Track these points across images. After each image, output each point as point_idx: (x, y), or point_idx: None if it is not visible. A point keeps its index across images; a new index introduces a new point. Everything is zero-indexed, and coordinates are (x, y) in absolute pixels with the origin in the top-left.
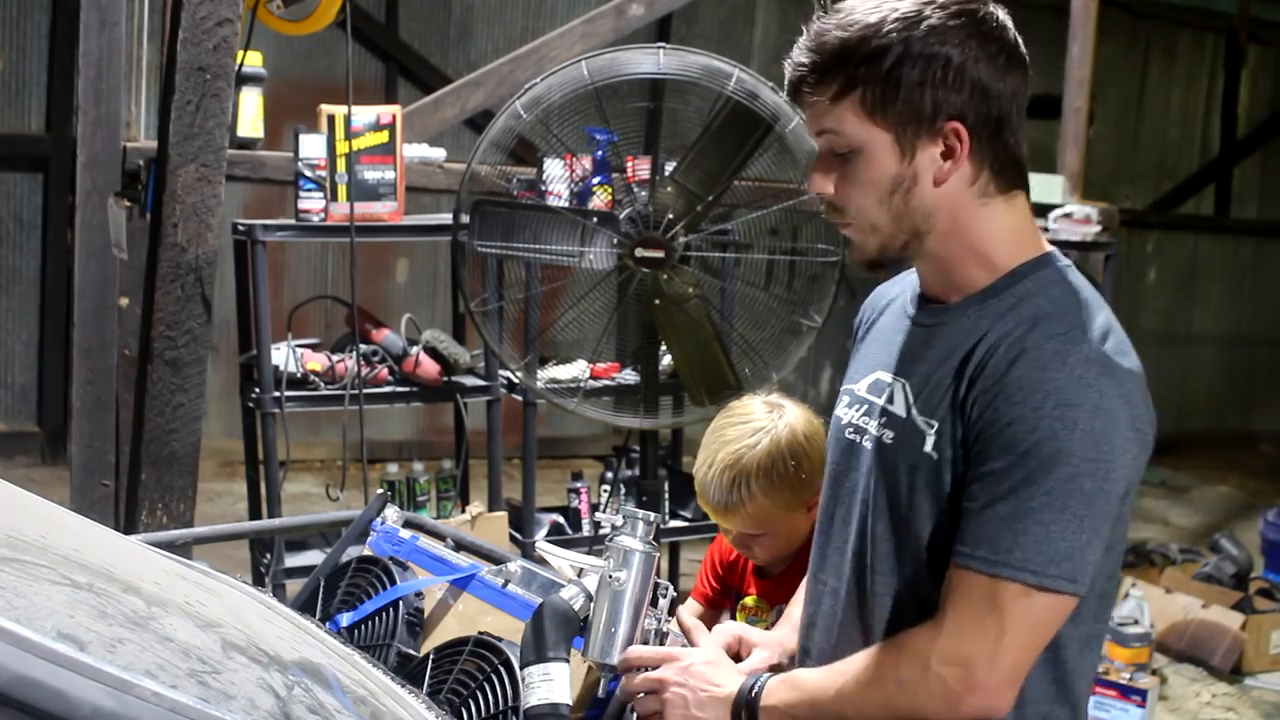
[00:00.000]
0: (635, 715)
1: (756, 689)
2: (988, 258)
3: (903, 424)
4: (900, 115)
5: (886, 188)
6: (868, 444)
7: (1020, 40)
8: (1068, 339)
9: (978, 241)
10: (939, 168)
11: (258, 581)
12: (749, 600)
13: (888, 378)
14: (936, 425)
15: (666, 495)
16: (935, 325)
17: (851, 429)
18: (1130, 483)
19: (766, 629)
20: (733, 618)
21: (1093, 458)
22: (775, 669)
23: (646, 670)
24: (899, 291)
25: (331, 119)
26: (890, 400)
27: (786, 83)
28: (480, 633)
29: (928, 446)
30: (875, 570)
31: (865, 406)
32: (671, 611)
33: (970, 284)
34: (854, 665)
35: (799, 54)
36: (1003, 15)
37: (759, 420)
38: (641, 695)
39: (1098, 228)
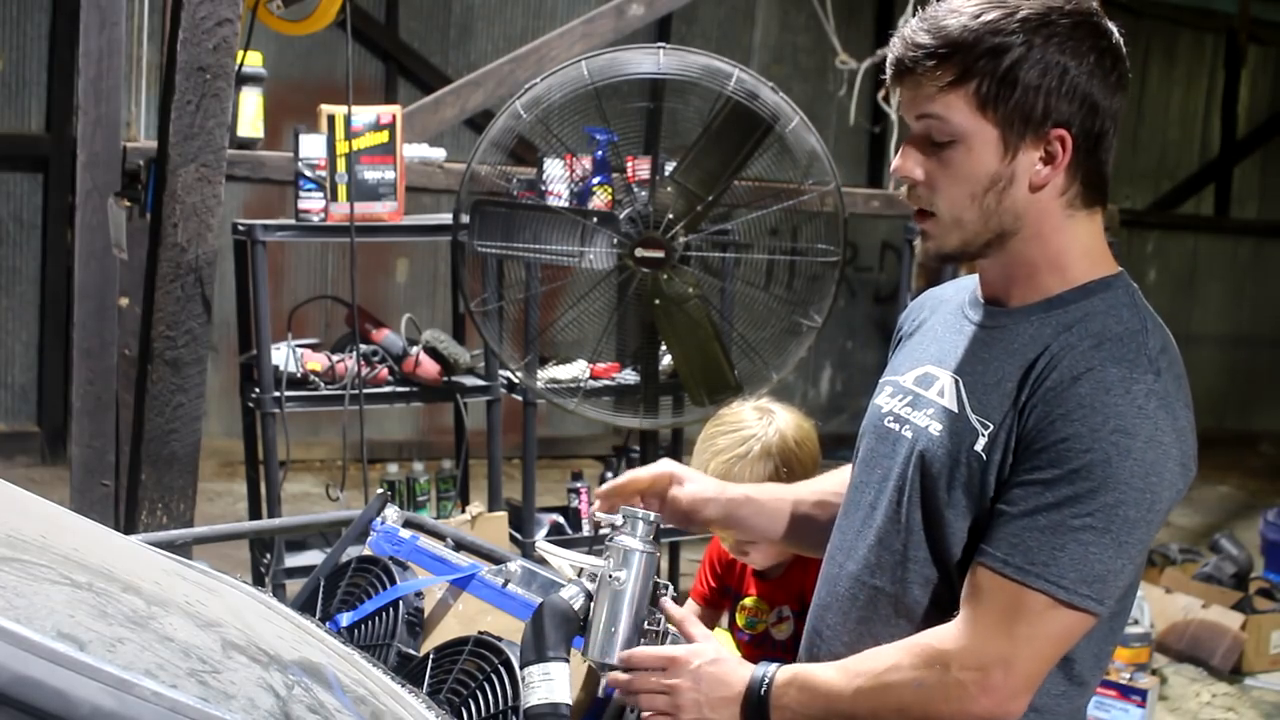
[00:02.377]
0: (636, 716)
1: (765, 686)
2: (1062, 270)
3: (954, 419)
4: (1011, 113)
5: (983, 184)
6: (908, 433)
7: (1127, 60)
8: (1134, 366)
9: (1056, 253)
10: (1037, 172)
11: (258, 581)
12: (748, 601)
13: (938, 371)
14: (991, 428)
15: None
16: (995, 328)
17: (891, 418)
18: (1168, 513)
19: (766, 630)
20: (732, 619)
21: (1141, 488)
22: (783, 661)
23: (648, 672)
24: (953, 294)
25: (331, 119)
26: (940, 394)
27: (892, 60)
28: (480, 633)
29: (979, 446)
30: (909, 559)
31: (910, 397)
32: None
33: (1036, 291)
34: (869, 665)
35: (915, 34)
36: (1118, 33)
37: (749, 428)
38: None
39: None
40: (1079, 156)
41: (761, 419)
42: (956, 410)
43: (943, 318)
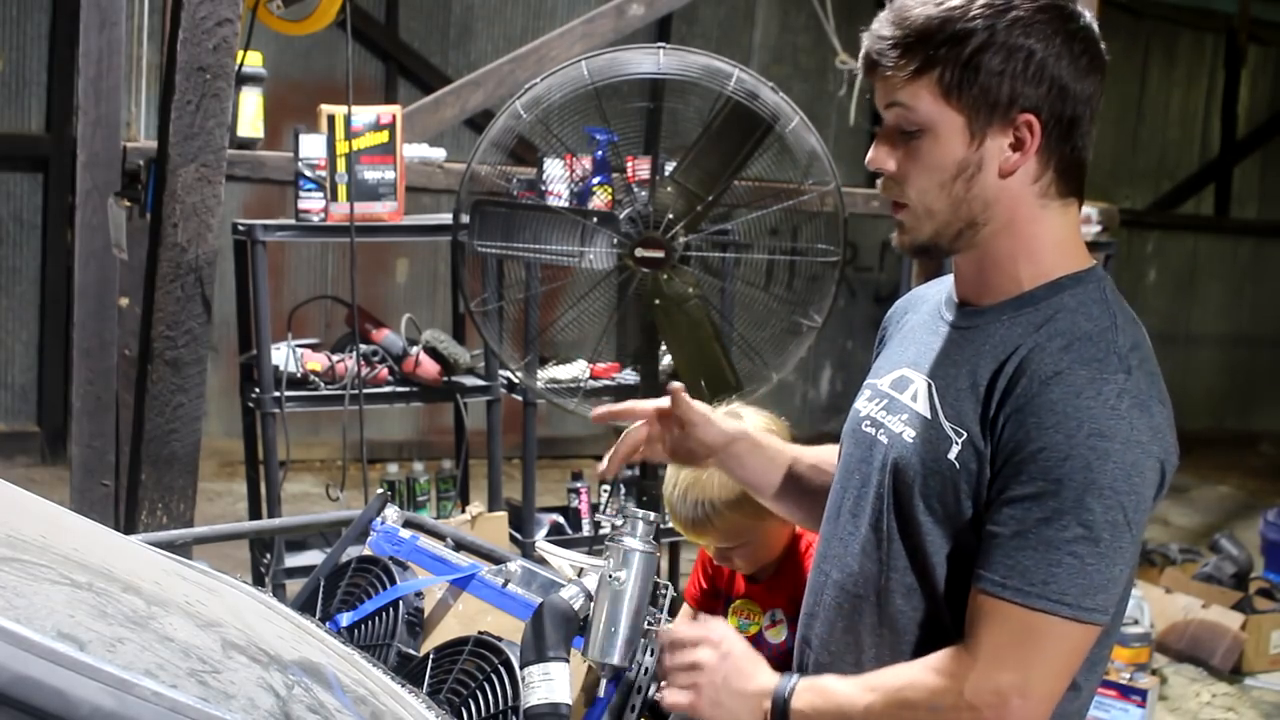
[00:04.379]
0: (636, 715)
1: (790, 691)
2: (1034, 262)
3: (928, 425)
4: (975, 100)
5: (951, 171)
6: (884, 438)
7: (1102, 44)
8: (1103, 366)
9: (1029, 243)
10: (1006, 158)
11: (258, 581)
12: (739, 603)
13: (913, 374)
14: (965, 435)
15: None
16: (967, 328)
17: (869, 422)
18: (1152, 511)
19: (759, 633)
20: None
21: (1124, 490)
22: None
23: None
24: (934, 293)
25: (331, 119)
26: (914, 398)
27: (862, 54)
28: (480, 633)
29: (952, 454)
30: (890, 567)
31: (886, 401)
32: (672, 611)
33: (1007, 288)
34: (885, 683)
35: (881, 26)
36: (1089, 16)
37: None
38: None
39: (1098, 228)
40: (1050, 142)
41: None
42: (929, 416)
43: (921, 318)
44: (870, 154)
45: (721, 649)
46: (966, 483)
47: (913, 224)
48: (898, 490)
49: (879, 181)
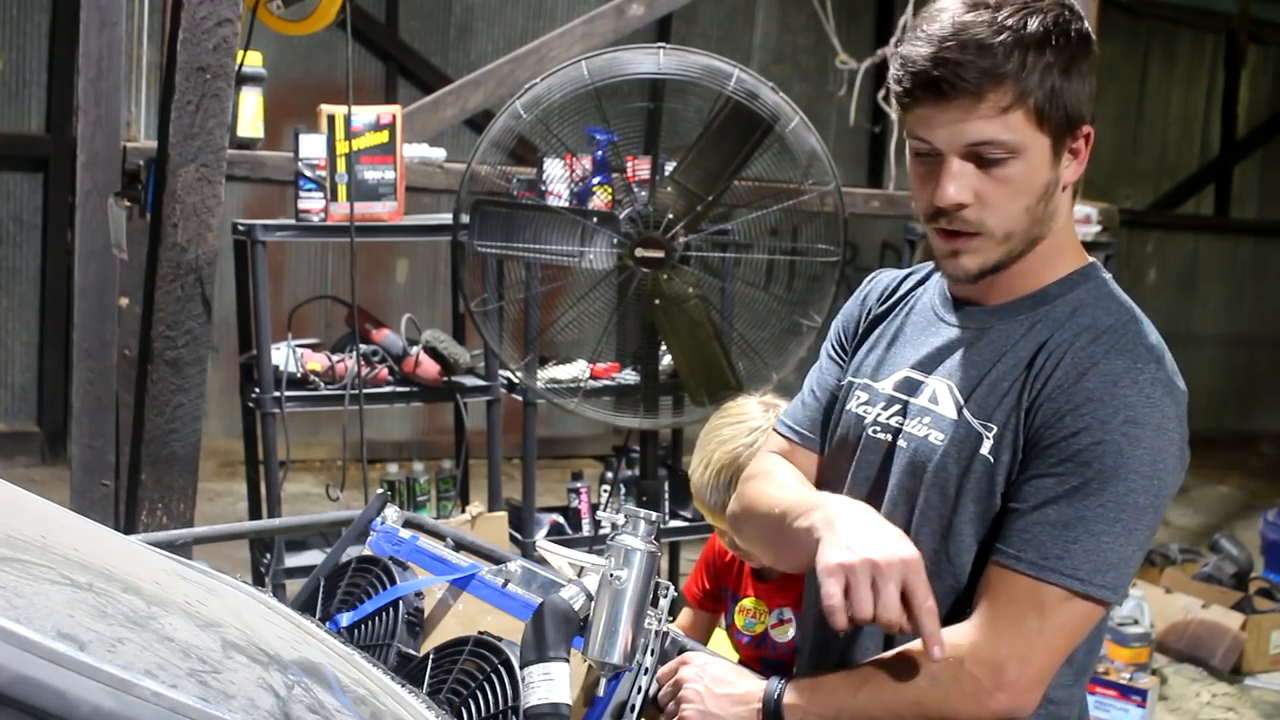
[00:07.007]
0: (635, 716)
1: (781, 690)
2: (1054, 262)
3: (954, 425)
4: (1060, 121)
5: (1038, 194)
6: (903, 443)
7: None
8: (1135, 356)
9: (1059, 244)
10: (1069, 170)
11: (258, 581)
12: (747, 602)
13: (922, 377)
14: (995, 429)
15: (666, 495)
16: (980, 329)
17: (878, 428)
18: (1171, 497)
19: (765, 631)
20: (729, 620)
21: (1149, 474)
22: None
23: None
24: (918, 292)
25: (331, 119)
26: (933, 400)
27: (925, 81)
28: (480, 633)
29: (985, 449)
30: None
31: (898, 406)
32: (672, 611)
33: (1020, 286)
34: (884, 661)
35: (957, 55)
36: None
37: (755, 419)
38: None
39: (1098, 228)
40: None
41: (767, 412)
42: (955, 416)
43: (916, 319)
44: (940, 191)
45: (697, 663)
46: (1002, 475)
47: (984, 250)
48: (939, 494)
49: (944, 218)
